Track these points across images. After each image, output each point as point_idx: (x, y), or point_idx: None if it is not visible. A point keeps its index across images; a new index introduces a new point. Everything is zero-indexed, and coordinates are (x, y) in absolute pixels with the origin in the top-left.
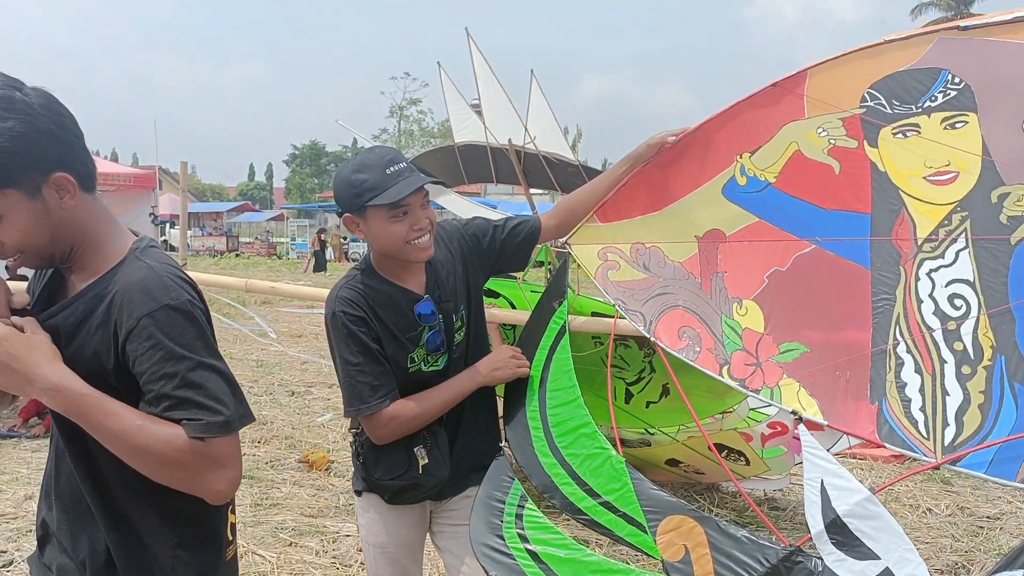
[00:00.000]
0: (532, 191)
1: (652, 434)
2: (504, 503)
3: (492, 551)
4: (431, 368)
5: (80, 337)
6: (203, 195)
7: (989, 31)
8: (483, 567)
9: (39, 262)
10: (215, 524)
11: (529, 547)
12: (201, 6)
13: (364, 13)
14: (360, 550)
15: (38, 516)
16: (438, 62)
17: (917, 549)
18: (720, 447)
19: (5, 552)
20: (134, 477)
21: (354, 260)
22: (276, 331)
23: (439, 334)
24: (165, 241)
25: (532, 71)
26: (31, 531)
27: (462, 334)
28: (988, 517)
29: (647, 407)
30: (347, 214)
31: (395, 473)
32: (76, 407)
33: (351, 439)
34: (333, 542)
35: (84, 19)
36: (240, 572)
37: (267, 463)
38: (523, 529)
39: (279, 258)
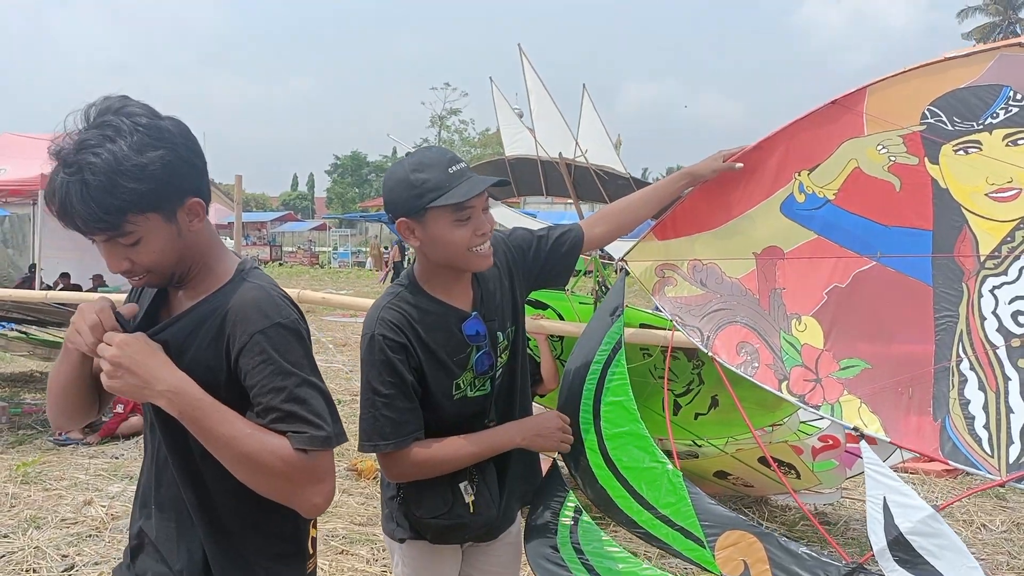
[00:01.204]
0: (582, 203)
1: (700, 446)
2: (559, 514)
3: (547, 562)
4: (477, 393)
5: (191, 351)
6: (247, 205)
7: None
8: None
9: (161, 281)
10: (304, 538)
11: (584, 559)
12: (249, 22)
13: (405, 26)
14: None
15: (133, 526)
16: (490, 77)
17: None
18: (769, 459)
19: (67, 556)
20: (237, 489)
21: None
22: (319, 341)
23: (488, 355)
24: None
25: (584, 85)
26: (91, 536)
27: (507, 355)
28: None
29: (695, 419)
30: (403, 218)
31: (438, 512)
32: (193, 410)
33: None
34: (383, 550)
35: (140, 35)
36: None
37: None
38: (578, 542)
39: (321, 267)
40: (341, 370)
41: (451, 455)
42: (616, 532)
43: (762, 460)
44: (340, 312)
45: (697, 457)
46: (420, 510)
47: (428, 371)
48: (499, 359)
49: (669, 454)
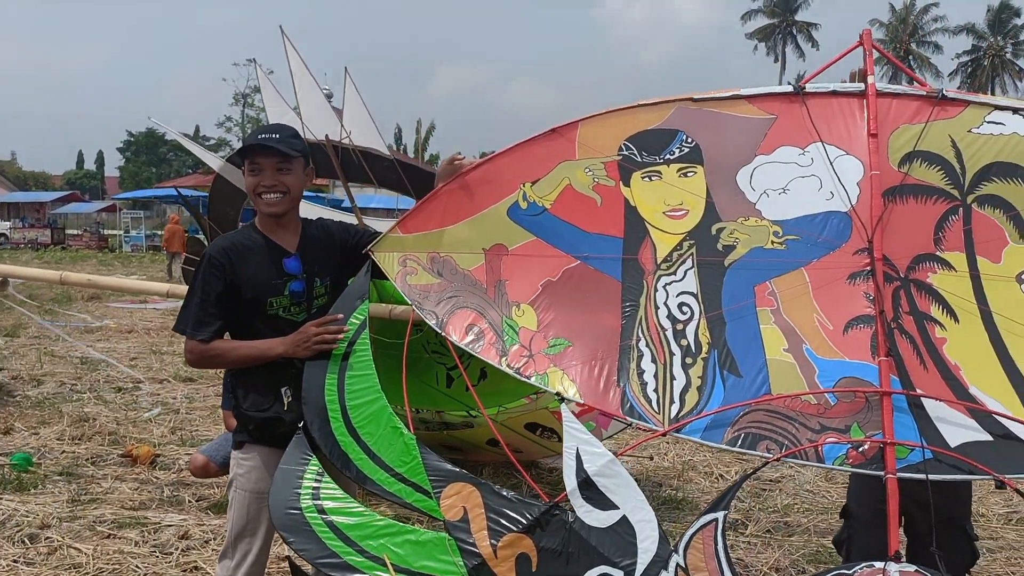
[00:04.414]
0: (350, 184)
1: (475, 416)
2: (302, 478)
3: (291, 520)
4: (290, 317)
5: None
6: (25, 183)
7: (713, 104)
8: (282, 536)
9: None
10: None
11: (326, 517)
12: None
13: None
14: (182, 537)
15: None
16: (254, 59)
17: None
18: (535, 426)
19: None
20: None
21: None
22: (105, 328)
23: (300, 284)
24: None
25: (346, 68)
26: None
27: (324, 300)
28: (770, 480)
29: (466, 391)
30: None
31: (261, 407)
32: None
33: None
34: (154, 532)
35: None
36: (54, 567)
37: (87, 460)
38: (319, 499)
39: (111, 251)
40: (126, 355)
41: (225, 351)
42: (370, 500)
43: (528, 426)
44: (129, 299)
45: (472, 427)
46: (246, 403)
47: (244, 287)
48: (316, 300)
49: (407, 421)
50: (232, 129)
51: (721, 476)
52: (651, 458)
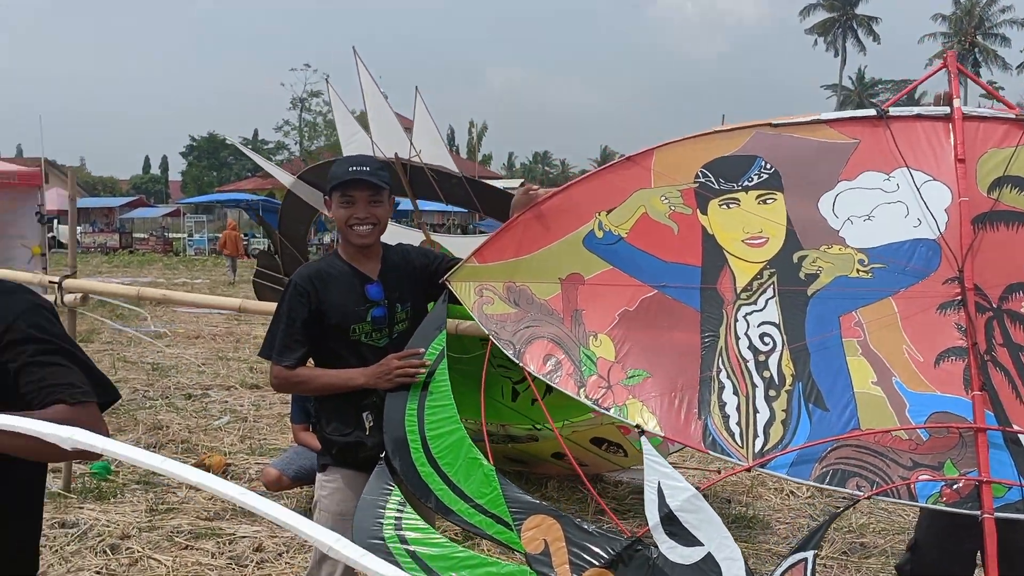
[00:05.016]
0: (419, 201)
1: (539, 430)
2: (385, 507)
3: (374, 551)
4: (372, 343)
5: None
6: (94, 189)
7: (792, 129)
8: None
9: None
10: None
11: (408, 547)
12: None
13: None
14: (256, 550)
15: None
16: (326, 77)
17: (778, 528)
18: (600, 440)
19: None
20: None
21: (253, 256)
22: (172, 333)
23: (383, 310)
24: (53, 237)
25: (416, 87)
26: None
27: (405, 326)
28: (843, 498)
29: (532, 404)
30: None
31: (343, 431)
32: None
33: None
34: (229, 543)
35: None
36: None
37: None
38: (401, 530)
39: (176, 255)
40: (193, 362)
41: (309, 379)
42: (442, 522)
43: (594, 440)
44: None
45: (537, 440)
46: (329, 428)
47: (328, 313)
48: (397, 325)
49: (485, 451)
50: (289, 133)
51: (792, 493)
52: (719, 471)
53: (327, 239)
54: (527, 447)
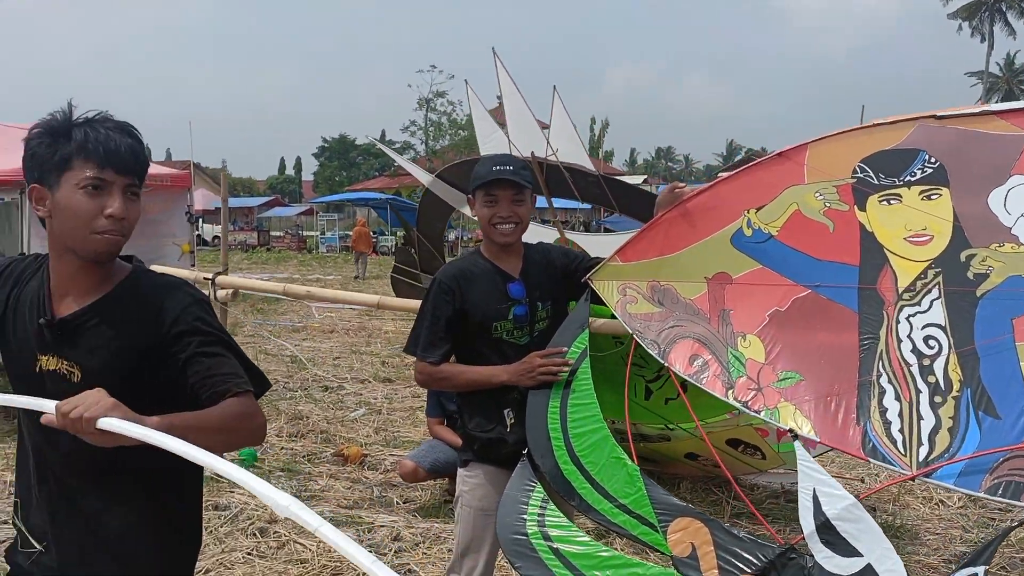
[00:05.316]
0: (554, 199)
1: (672, 429)
2: (527, 504)
3: (518, 547)
4: (513, 340)
5: None
6: (234, 190)
7: (959, 121)
8: (510, 561)
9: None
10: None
11: (551, 544)
12: (227, 10)
13: (389, 8)
14: (394, 539)
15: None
16: (465, 80)
17: (927, 539)
18: (736, 442)
19: None
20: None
21: (382, 253)
22: (309, 327)
23: (524, 308)
24: (199, 235)
25: (555, 87)
26: None
27: (546, 324)
28: (1000, 509)
29: (666, 403)
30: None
31: (484, 427)
32: None
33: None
34: (368, 532)
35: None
36: (284, 561)
37: (304, 457)
38: (544, 527)
39: (309, 252)
40: (328, 355)
41: (453, 375)
42: (578, 519)
43: (730, 442)
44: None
45: (669, 440)
46: (471, 424)
47: (471, 312)
48: (538, 323)
49: (628, 451)
50: (416, 133)
51: (942, 502)
52: (862, 480)
53: (451, 236)
54: (658, 447)
